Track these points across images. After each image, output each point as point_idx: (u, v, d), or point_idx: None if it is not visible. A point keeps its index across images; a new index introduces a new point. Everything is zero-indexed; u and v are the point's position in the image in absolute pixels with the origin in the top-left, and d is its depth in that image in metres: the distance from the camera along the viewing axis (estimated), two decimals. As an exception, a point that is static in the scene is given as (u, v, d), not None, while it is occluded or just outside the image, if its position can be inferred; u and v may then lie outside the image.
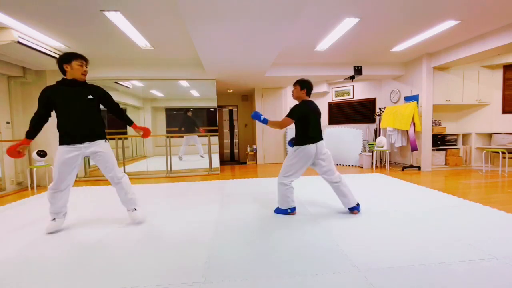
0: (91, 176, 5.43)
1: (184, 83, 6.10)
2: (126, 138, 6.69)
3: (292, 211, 2.72)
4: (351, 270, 1.65)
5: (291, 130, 6.82)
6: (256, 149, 6.93)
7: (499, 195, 3.33)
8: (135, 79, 5.50)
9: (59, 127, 2.23)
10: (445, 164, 5.39)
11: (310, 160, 2.63)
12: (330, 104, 7.28)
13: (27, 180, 4.45)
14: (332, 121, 7.24)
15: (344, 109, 7.07)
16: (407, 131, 5.25)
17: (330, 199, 3.22)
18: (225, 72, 5.03)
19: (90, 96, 2.29)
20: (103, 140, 2.36)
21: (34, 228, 2.53)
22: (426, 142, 5.17)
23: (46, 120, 2.27)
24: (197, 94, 7.62)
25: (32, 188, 4.38)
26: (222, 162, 7.37)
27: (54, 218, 2.36)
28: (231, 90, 7.36)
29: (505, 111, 5.07)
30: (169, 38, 3.75)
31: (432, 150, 5.26)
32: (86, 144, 2.26)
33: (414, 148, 5.14)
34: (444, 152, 5.40)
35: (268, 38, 3.28)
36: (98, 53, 4.36)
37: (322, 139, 2.69)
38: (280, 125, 2.66)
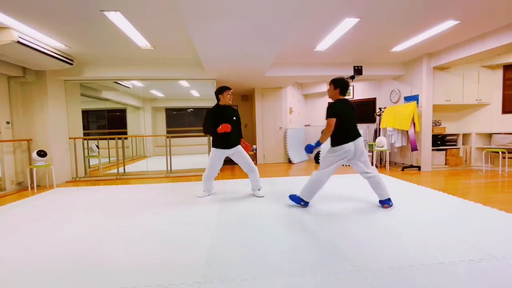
0: (91, 176, 5.43)
1: (184, 83, 6.10)
2: (126, 138, 6.70)
3: (305, 205, 2.89)
4: (351, 270, 1.65)
5: (290, 130, 6.81)
6: (256, 149, 6.93)
7: (499, 195, 3.33)
8: (135, 79, 5.49)
9: (217, 136, 3.20)
10: (445, 164, 5.39)
11: (346, 158, 2.69)
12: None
13: (27, 180, 4.45)
14: (332, 121, 7.23)
15: (344, 109, 7.06)
16: (407, 131, 5.26)
17: (329, 199, 3.22)
18: (225, 72, 5.03)
19: (234, 118, 3.30)
20: (240, 145, 3.39)
21: (34, 228, 2.53)
22: (426, 142, 5.17)
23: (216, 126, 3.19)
24: (197, 94, 7.63)
25: (32, 188, 4.37)
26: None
27: (204, 191, 3.50)
28: (232, 90, 7.36)
29: (505, 111, 5.06)
30: (169, 38, 3.75)
31: (432, 150, 5.26)
32: (233, 149, 3.30)
33: (414, 148, 5.14)
34: (444, 152, 5.40)
35: (268, 38, 3.28)
36: (98, 53, 4.36)
37: (360, 135, 2.73)
38: (328, 130, 2.69)
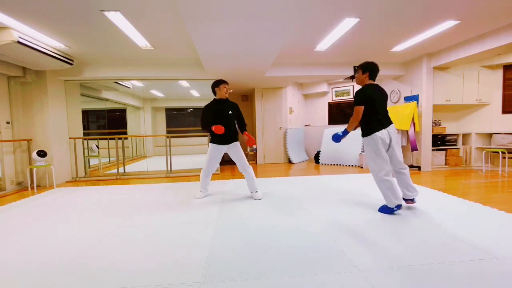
0: (91, 176, 5.43)
1: (184, 83, 6.10)
2: (126, 138, 6.70)
3: (397, 207, 2.57)
4: (351, 270, 1.65)
5: (290, 130, 6.81)
6: (256, 149, 6.93)
7: (499, 195, 3.33)
8: (135, 79, 5.49)
9: (213, 132, 3.11)
10: (445, 164, 5.39)
11: (385, 144, 2.52)
12: (330, 104, 7.29)
13: (27, 180, 4.45)
14: (332, 121, 7.25)
15: (344, 109, 7.07)
16: (407, 131, 5.25)
17: (329, 199, 3.22)
18: (225, 72, 5.03)
19: (230, 112, 3.24)
20: (237, 142, 3.33)
21: (34, 228, 2.53)
22: (426, 142, 5.17)
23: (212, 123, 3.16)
24: (197, 94, 7.63)
25: (32, 188, 4.37)
26: (222, 162, 7.34)
27: (201, 191, 3.47)
28: (231, 90, 7.35)
29: (505, 111, 5.07)
30: (169, 38, 3.75)
31: (432, 150, 5.26)
32: (230, 145, 3.27)
33: (414, 148, 5.14)
34: (444, 152, 5.40)
35: (268, 38, 3.28)
36: (98, 53, 4.36)
37: (391, 123, 2.58)
38: (355, 118, 2.54)
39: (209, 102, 3.32)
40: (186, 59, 4.86)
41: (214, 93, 3.31)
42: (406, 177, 2.66)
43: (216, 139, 3.25)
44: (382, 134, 2.49)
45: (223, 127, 3.06)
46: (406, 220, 2.47)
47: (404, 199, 2.70)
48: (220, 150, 3.29)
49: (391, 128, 2.55)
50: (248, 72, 5.07)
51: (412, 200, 2.72)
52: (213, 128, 3.06)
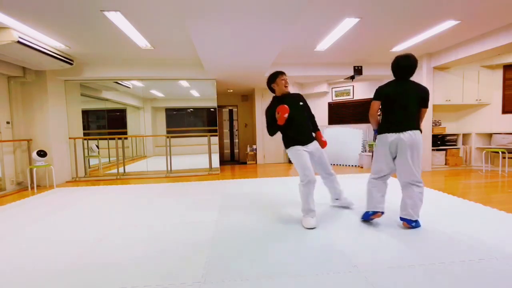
0: (91, 176, 5.43)
1: (184, 83, 6.10)
2: (126, 138, 6.70)
3: (373, 214, 2.31)
4: (351, 270, 1.65)
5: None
6: (256, 149, 6.93)
7: (499, 195, 3.33)
8: (135, 79, 5.49)
9: (284, 133, 2.54)
10: (445, 164, 5.39)
11: (388, 150, 2.26)
12: (330, 104, 7.28)
13: (27, 180, 4.45)
14: (332, 121, 7.24)
15: (344, 109, 7.07)
16: (407, 131, 5.25)
17: (328, 199, 3.21)
18: (225, 72, 5.03)
19: (300, 103, 2.57)
20: (315, 141, 2.61)
21: (34, 228, 2.53)
22: (426, 142, 5.17)
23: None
24: (197, 94, 7.63)
25: (32, 188, 4.37)
26: (222, 162, 7.36)
27: (312, 217, 2.38)
28: (231, 90, 7.36)
29: (505, 111, 5.07)
30: (169, 38, 3.75)
31: (432, 150, 5.26)
32: (311, 145, 2.53)
33: (414, 148, 5.13)
34: (444, 152, 5.40)
35: (268, 38, 3.28)
36: (98, 53, 4.36)
37: (412, 128, 2.20)
38: (369, 113, 2.32)
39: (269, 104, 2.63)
40: (186, 59, 4.86)
41: (272, 90, 2.64)
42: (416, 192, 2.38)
43: (292, 140, 2.49)
44: (388, 137, 2.23)
45: (286, 106, 2.33)
46: (406, 220, 2.47)
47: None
48: (304, 151, 2.48)
49: (405, 135, 2.21)
50: (248, 72, 5.07)
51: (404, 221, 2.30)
52: (278, 109, 2.31)
